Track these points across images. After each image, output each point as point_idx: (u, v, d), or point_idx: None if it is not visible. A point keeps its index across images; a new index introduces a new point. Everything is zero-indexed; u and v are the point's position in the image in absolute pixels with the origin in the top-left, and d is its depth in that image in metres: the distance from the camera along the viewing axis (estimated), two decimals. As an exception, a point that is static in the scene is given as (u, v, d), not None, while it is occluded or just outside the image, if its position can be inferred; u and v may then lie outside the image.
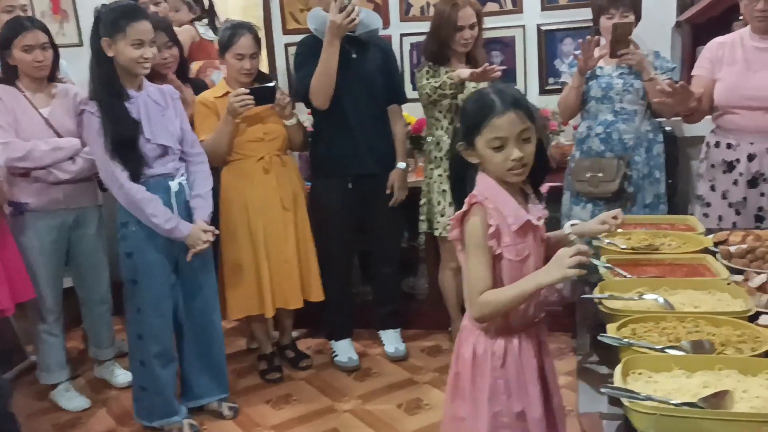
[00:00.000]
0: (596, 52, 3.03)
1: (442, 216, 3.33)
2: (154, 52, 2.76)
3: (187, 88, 3.37)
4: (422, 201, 3.45)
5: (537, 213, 1.75)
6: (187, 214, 2.88)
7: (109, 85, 2.72)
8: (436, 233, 3.41)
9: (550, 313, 3.34)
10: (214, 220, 3.12)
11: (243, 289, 3.31)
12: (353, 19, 3.10)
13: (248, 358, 3.69)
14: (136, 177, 2.74)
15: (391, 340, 3.64)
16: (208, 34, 4.12)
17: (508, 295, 1.65)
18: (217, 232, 2.93)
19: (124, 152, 2.70)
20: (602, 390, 1.33)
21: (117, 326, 3.57)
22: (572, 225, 1.94)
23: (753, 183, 2.83)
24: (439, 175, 3.35)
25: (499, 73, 3.11)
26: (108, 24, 2.67)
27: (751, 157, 2.81)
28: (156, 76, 3.14)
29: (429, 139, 3.43)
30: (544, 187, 1.81)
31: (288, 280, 3.35)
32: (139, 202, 2.73)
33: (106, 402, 3.35)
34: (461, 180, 1.78)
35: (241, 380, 3.48)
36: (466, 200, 1.70)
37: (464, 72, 3.15)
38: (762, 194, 2.82)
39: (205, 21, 4.22)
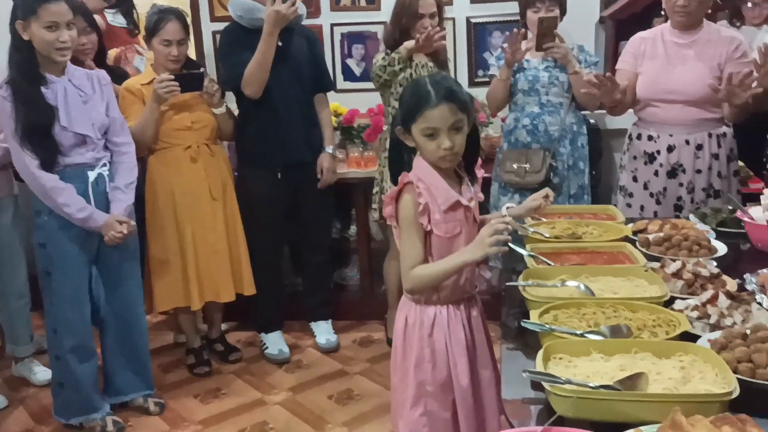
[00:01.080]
0: (523, 45, 3.08)
1: None
2: (73, 36, 2.65)
3: (106, 77, 3.26)
4: (375, 189, 3.43)
5: (469, 194, 1.86)
6: (106, 206, 2.78)
7: (26, 69, 2.60)
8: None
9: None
10: (140, 209, 3.04)
11: (170, 280, 3.23)
12: (296, 9, 3.07)
13: (176, 352, 3.62)
14: (49, 165, 2.63)
15: (323, 331, 3.63)
16: (117, 20, 3.97)
17: (435, 270, 1.79)
18: (133, 223, 2.82)
19: (37, 139, 2.59)
20: (524, 374, 1.35)
21: (37, 321, 3.44)
22: (508, 208, 2.07)
23: (672, 174, 2.93)
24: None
25: (444, 42, 3.14)
26: (22, 6, 2.56)
27: (670, 149, 2.91)
28: (73, 62, 3.02)
29: (385, 128, 3.41)
30: (479, 171, 1.92)
31: (218, 273, 3.29)
32: (50, 191, 2.62)
33: (24, 400, 3.23)
34: (399, 160, 1.87)
35: (168, 375, 3.41)
36: (400, 179, 1.81)
37: (410, 42, 3.14)
38: (681, 184, 2.93)
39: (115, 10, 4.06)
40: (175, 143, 3.17)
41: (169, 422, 3.01)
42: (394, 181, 1.86)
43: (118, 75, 3.36)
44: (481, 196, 1.92)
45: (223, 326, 3.69)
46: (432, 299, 1.87)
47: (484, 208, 3.43)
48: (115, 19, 3.97)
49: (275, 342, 3.53)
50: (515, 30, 3.05)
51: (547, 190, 2.09)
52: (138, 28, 3.99)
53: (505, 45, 3.07)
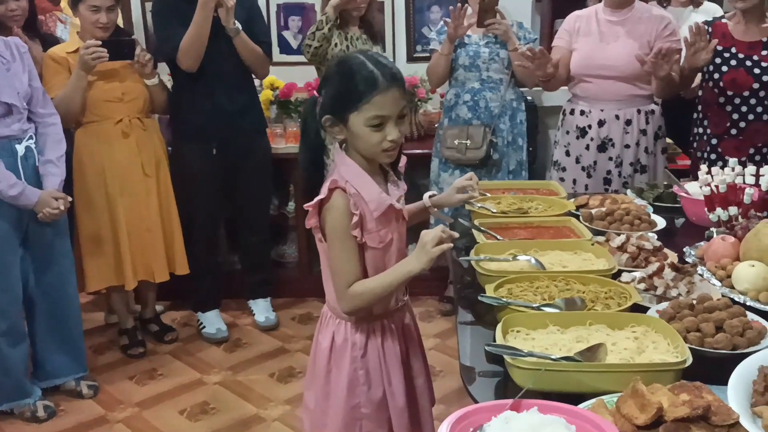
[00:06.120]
0: (465, 21, 3.09)
1: None
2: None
3: (35, 44, 3.08)
4: None
5: (397, 193, 1.68)
6: (36, 181, 2.66)
7: None
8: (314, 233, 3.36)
9: (418, 278, 3.43)
10: (68, 186, 2.90)
11: (101, 260, 3.11)
12: None
13: (108, 333, 3.50)
14: None
15: (261, 309, 3.58)
16: None
17: (378, 286, 1.58)
18: (70, 199, 2.72)
19: None
20: (486, 348, 1.36)
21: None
22: (430, 197, 1.93)
23: (602, 148, 3.01)
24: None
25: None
26: None
27: (601, 123, 2.98)
28: (1, 29, 2.84)
29: None
30: (403, 165, 1.74)
31: (152, 251, 3.19)
32: None
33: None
34: (318, 164, 1.65)
35: (101, 356, 3.30)
36: (326, 185, 1.57)
37: (334, 0, 3.09)
38: (610, 158, 3.01)
39: None
40: (105, 116, 3.04)
41: (103, 405, 2.91)
42: (310, 191, 1.63)
43: (50, 43, 3.18)
44: (405, 188, 1.72)
45: (158, 306, 3.58)
46: (363, 316, 1.66)
47: (424, 185, 3.46)
48: None
49: (213, 321, 3.46)
50: (458, 5, 3.05)
51: (470, 174, 1.99)
52: None
53: (448, 19, 3.07)
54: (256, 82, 3.51)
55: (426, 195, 1.94)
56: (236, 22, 3.08)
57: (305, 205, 1.60)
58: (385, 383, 1.70)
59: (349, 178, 1.57)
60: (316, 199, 1.57)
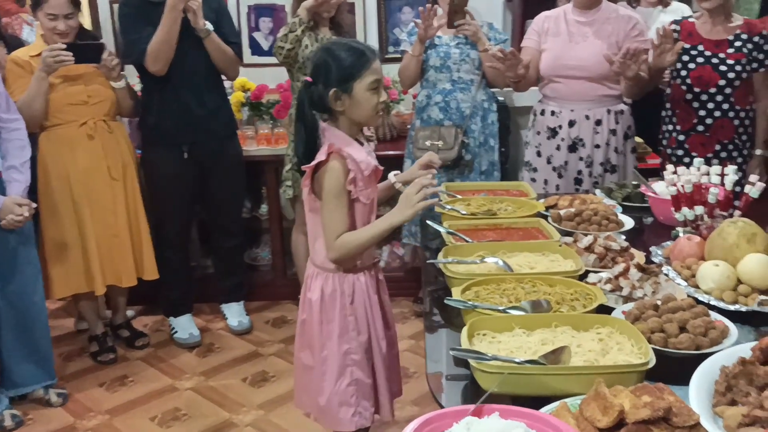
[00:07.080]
0: (435, 22, 3.08)
1: None
2: None
3: (-1, 48, 3.03)
4: (287, 167, 3.33)
5: (374, 157, 1.91)
6: None
7: None
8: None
9: (392, 279, 3.43)
10: (33, 192, 2.85)
11: (68, 266, 3.07)
12: None
13: (78, 340, 3.45)
14: None
15: (234, 313, 3.55)
16: None
17: (364, 236, 1.83)
18: (34, 205, 2.68)
19: None
20: (450, 352, 1.35)
21: None
22: (396, 174, 2.09)
23: (573, 148, 3.02)
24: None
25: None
26: None
27: (571, 124, 3.00)
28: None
29: (294, 102, 3.32)
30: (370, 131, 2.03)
31: (120, 256, 3.14)
32: None
33: None
34: (313, 137, 1.83)
35: (71, 364, 3.25)
36: (324, 149, 1.79)
37: (307, 2, 3.07)
38: (580, 159, 3.03)
39: None
40: (70, 119, 2.99)
41: (73, 413, 2.87)
42: (307, 156, 1.82)
43: (15, 46, 3.12)
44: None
45: (129, 312, 3.54)
46: (351, 267, 1.89)
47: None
48: None
49: (185, 326, 3.43)
50: (427, 5, 3.05)
51: (430, 153, 2.09)
52: None
53: (418, 20, 3.06)
54: (227, 84, 3.48)
55: (391, 174, 2.08)
56: (207, 22, 3.05)
57: (303, 167, 1.83)
58: (371, 330, 1.92)
59: (341, 145, 1.80)
60: (314, 162, 1.79)
